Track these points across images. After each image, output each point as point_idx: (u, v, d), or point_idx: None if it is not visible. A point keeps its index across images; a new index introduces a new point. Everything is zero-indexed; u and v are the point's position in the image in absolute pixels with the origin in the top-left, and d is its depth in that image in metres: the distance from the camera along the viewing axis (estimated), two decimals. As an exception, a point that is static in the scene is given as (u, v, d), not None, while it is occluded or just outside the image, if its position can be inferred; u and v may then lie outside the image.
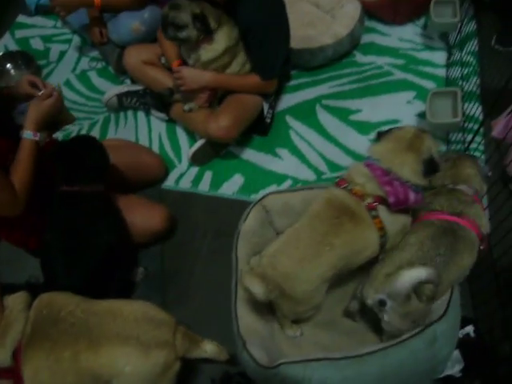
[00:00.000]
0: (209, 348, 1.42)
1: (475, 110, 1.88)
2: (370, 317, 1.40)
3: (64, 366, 1.27)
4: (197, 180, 2.11)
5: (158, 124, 2.31)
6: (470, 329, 1.49)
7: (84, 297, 1.41)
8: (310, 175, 2.05)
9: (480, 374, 1.45)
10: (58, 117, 1.70)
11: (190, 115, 2.07)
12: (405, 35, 2.46)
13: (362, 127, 2.14)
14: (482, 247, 1.35)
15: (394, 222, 1.31)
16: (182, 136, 2.26)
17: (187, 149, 2.18)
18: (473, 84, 2.13)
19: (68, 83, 2.54)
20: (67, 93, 2.45)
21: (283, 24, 1.96)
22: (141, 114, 2.36)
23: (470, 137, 1.88)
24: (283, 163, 2.11)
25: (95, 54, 2.63)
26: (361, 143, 2.09)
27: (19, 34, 2.86)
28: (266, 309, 1.41)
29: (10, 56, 2.61)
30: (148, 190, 2.06)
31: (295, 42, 2.17)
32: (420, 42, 2.42)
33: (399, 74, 2.31)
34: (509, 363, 1.43)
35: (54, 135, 1.97)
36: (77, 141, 1.74)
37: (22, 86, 1.63)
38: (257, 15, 1.82)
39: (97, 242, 1.59)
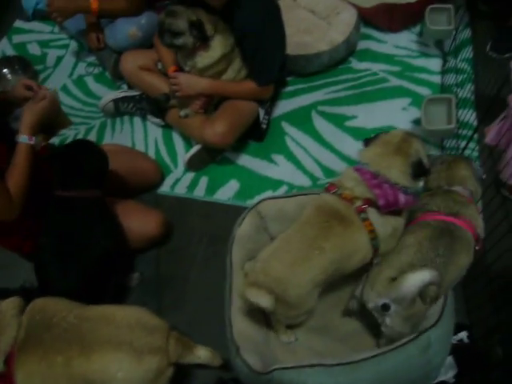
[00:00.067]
0: (202, 354, 1.41)
1: (469, 116, 1.89)
2: (369, 320, 1.39)
3: (57, 371, 1.26)
4: (192, 185, 2.11)
5: (154, 129, 2.32)
6: (463, 335, 1.50)
7: (78, 302, 1.41)
8: (305, 181, 2.06)
9: (473, 380, 1.45)
10: (54, 120, 1.70)
11: (186, 121, 2.08)
12: (400, 42, 2.47)
13: (358, 133, 2.15)
14: (477, 247, 1.35)
15: (385, 225, 1.31)
16: (178, 141, 2.26)
17: (183, 154, 2.18)
18: (467, 91, 2.15)
19: (65, 88, 2.55)
20: (64, 98, 2.46)
21: (279, 30, 1.97)
22: (137, 120, 2.37)
23: (464, 143, 1.88)
24: (279, 169, 2.11)
25: (92, 59, 2.64)
26: (356, 149, 2.04)
27: (16, 39, 2.87)
28: (259, 314, 1.41)
29: (6, 61, 2.61)
30: (144, 195, 2.07)
31: (291, 49, 2.18)
32: (415, 49, 2.43)
33: (395, 81, 2.32)
34: (502, 368, 1.43)
35: (51, 141, 1.97)
36: (75, 145, 1.72)
37: (18, 89, 1.63)
38: (253, 21, 1.83)
39: (93, 247, 1.58)
